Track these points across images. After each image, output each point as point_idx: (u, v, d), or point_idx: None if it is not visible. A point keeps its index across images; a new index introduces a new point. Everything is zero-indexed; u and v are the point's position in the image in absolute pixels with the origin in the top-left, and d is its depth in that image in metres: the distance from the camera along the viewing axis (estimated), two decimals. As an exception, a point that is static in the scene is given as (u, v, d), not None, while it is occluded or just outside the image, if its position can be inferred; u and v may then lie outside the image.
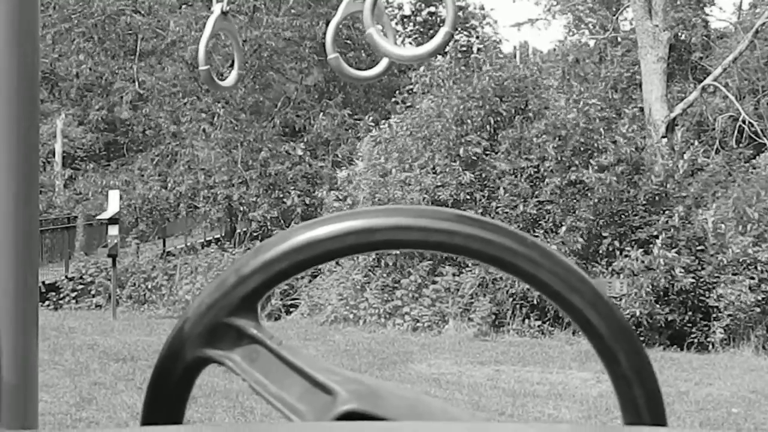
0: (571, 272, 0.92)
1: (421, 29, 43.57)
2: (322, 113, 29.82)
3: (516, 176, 18.71)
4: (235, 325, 0.92)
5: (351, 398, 0.86)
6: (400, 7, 43.74)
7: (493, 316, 17.30)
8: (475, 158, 19.09)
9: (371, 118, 22.22)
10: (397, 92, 22.25)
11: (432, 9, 43.73)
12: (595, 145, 18.51)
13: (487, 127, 19.59)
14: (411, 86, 21.39)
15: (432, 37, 2.24)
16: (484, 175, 19.07)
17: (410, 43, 40.74)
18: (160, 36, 28.48)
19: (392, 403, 0.87)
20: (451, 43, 16.06)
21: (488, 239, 0.91)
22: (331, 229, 0.91)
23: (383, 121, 21.40)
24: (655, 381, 0.94)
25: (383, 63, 2.48)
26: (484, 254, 0.92)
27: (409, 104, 21.06)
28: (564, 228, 18.12)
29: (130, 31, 29.39)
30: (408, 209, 0.92)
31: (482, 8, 46.03)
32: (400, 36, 41.11)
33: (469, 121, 19.45)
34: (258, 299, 0.93)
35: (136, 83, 29.36)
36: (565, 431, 0.84)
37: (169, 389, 0.93)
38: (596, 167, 18.18)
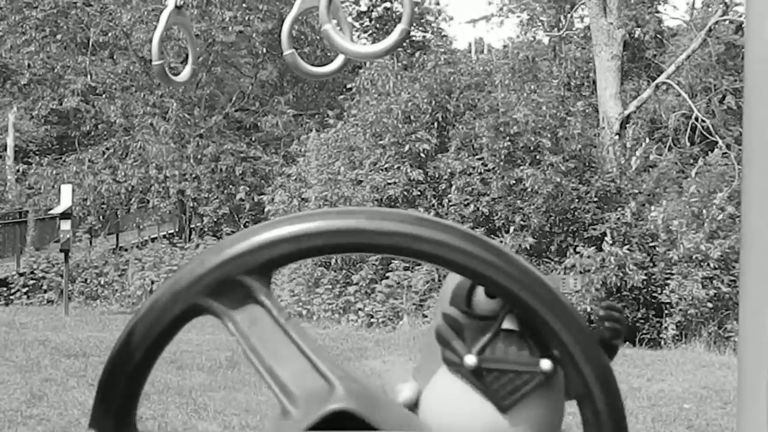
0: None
1: (378, 25, 43.53)
2: (272, 111, 29.78)
3: (468, 174, 18.73)
4: (247, 284, 0.89)
5: (348, 397, 0.84)
6: (356, 2, 43.70)
7: (447, 312, 17.30)
8: (424, 155, 19.11)
9: (323, 114, 22.20)
10: (345, 90, 22.28)
11: (388, 5, 43.71)
12: (546, 143, 18.55)
13: (436, 123, 19.64)
14: (354, 85, 21.45)
15: (388, 32, 2.23)
16: (436, 174, 19.08)
17: (366, 39, 40.70)
18: (112, 29, 28.26)
19: (387, 413, 0.85)
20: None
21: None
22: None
23: (333, 119, 21.44)
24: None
25: (339, 59, 2.46)
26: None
27: (356, 100, 21.07)
28: (513, 226, 18.20)
29: (81, 24, 29.15)
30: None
31: (437, 3, 45.87)
32: (356, 32, 41.09)
33: (417, 117, 19.51)
34: (277, 268, 0.90)
35: (88, 76, 29.14)
36: None
37: (160, 326, 0.90)
38: (547, 164, 18.24)
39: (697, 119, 25.50)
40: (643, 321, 17.56)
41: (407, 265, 17.84)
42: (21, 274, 22.15)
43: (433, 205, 19.00)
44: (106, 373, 0.90)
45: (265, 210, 21.15)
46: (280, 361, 0.87)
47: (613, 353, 0.99)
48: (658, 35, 34.35)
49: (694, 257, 17.12)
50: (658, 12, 35.03)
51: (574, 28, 35.15)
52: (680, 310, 16.92)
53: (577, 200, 18.53)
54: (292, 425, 0.83)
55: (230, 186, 27.25)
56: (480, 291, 0.98)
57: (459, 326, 0.99)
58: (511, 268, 0.88)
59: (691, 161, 23.08)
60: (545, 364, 0.95)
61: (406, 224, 0.87)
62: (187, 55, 2.87)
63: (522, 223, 18.31)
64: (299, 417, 0.84)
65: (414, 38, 39.87)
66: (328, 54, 24.00)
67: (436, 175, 19.10)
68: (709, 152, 21.92)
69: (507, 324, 0.97)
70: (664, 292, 17.26)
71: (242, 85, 32.04)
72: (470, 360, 0.96)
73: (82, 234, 24.09)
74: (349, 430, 0.83)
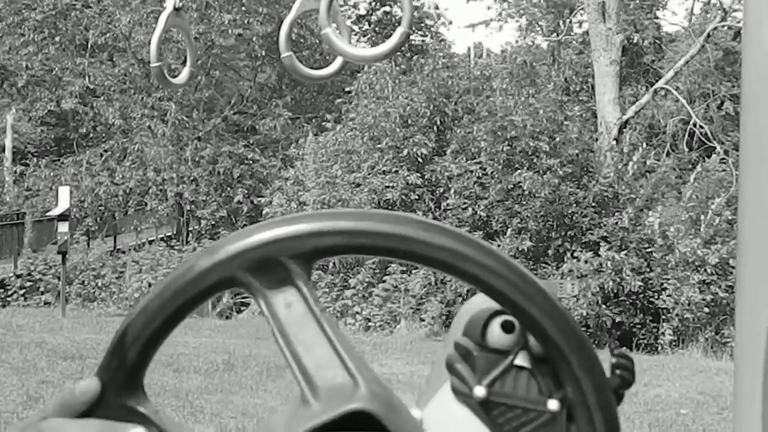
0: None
1: (377, 28, 43.54)
2: (270, 114, 29.82)
3: (466, 178, 18.74)
4: (289, 268, 0.88)
5: (370, 398, 0.83)
6: (355, 6, 43.73)
7: (444, 317, 17.32)
8: (422, 159, 19.13)
9: (321, 118, 22.22)
10: (343, 93, 22.30)
11: (387, 8, 43.72)
12: (544, 147, 18.56)
13: (434, 127, 19.65)
14: (352, 88, 21.50)
15: (387, 36, 2.23)
16: (434, 178, 19.09)
17: (365, 43, 40.72)
18: (111, 31, 28.28)
19: (406, 424, 0.85)
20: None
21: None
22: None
23: (331, 122, 21.44)
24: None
25: (337, 62, 2.46)
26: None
27: (354, 104, 21.11)
28: (511, 230, 18.19)
29: (80, 26, 29.16)
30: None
31: (437, 8, 45.90)
32: (355, 35, 41.08)
33: (415, 120, 19.53)
34: (322, 257, 0.89)
35: (87, 78, 29.15)
36: None
37: (194, 290, 0.89)
38: (545, 169, 18.25)
39: (695, 125, 25.53)
40: (640, 326, 17.56)
41: (404, 268, 17.84)
42: (18, 276, 22.13)
43: (431, 209, 19.01)
44: (129, 324, 0.89)
45: (263, 213, 21.17)
46: (308, 349, 0.87)
47: (619, 402, 0.99)
48: (656, 41, 34.39)
49: (691, 262, 17.12)
50: (656, 18, 35.12)
51: (572, 33, 35.19)
52: (677, 315, 16.92)
53: (574, 205, 18.52)
54: (309, 416, 0.83)
55: (228, 189, 27.26)
56: (495, 324, 0.98)
57: (470, 357, 0.98)
58: (551, 308, 0.88)
59: (689, 167, 23.08)
60: (552, 404, 0.94)
61: (456, 241, 0.87)
62: (185, 58, 2.86)
63: (519, 226, 18.30)
64: (318, 409, 0.84)
65: (413, 42, 39.87)
66: (327, 57, 24.00)
67: (434, 179, 19.10)
68: (707, 158, 21.91)
69: (519, 360, 0.96)
70: (661, 297, 17.26)
71: (241, 88, 32.07)
72: (479, 391, 0.96)
73: (79, 236, 24.10)
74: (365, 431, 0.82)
